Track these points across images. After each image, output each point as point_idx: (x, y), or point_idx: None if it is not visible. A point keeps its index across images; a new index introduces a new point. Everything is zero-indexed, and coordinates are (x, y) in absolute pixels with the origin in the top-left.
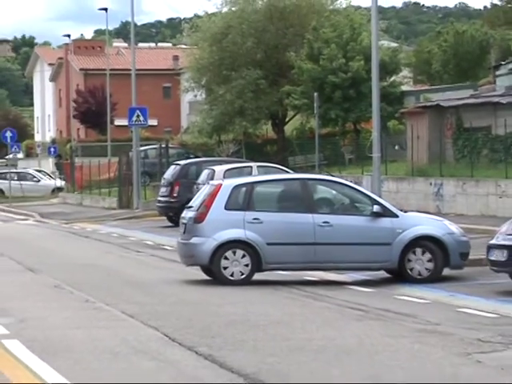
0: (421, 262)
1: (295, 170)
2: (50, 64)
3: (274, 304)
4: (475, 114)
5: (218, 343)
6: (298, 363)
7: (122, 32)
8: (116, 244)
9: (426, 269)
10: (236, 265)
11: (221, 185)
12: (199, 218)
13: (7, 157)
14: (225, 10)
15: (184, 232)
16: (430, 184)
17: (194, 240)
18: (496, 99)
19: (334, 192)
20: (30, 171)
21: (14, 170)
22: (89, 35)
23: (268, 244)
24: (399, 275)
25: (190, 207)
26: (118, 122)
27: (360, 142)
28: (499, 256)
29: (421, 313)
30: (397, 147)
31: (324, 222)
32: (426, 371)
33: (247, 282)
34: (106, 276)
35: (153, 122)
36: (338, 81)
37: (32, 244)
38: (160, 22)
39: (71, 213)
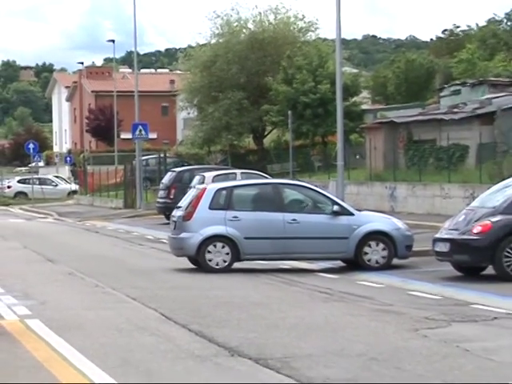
0: (376, 252)
1: (273, 176)
2: (66, 87)
3: (254, 288)
4: (423, 129)
5: (207, 321)
6: (274, 338)
7: (127, 60)
8: (122, 238)
9: (383, 257)
10: (218, 255)
11: (205, 188)
12: (187, 217)
13: (30, 165)
14: (213, 41)
15: (174, 228)
16: (386, 187)
17: (182, 235)
18: (440, 116)
19: (300, 194)
20: (50, 177)
21: (36, 176)
22: (99, 62)
23: (245, 238)
24: (354, 264)
25: (179, 207)
26: (123, 136)
27: (327, 152)
28: (443, 247)
29: (377, 295)
30: (358, 156)
31: (292, 220)
32: (381, 344)
33: (228, 269)
34: (113, 265)
35: (153, 135)
36: (309, 101)
37: (51, 238)
38: (159, 52)
39: (84, 212)
